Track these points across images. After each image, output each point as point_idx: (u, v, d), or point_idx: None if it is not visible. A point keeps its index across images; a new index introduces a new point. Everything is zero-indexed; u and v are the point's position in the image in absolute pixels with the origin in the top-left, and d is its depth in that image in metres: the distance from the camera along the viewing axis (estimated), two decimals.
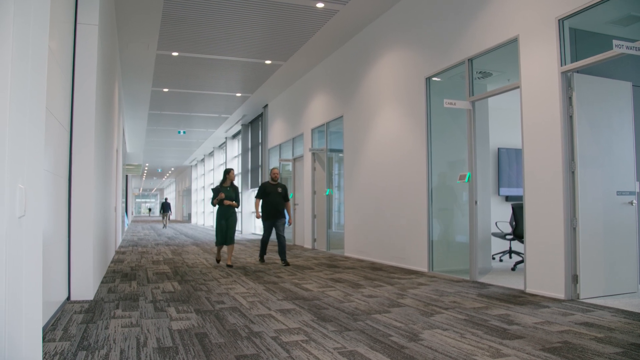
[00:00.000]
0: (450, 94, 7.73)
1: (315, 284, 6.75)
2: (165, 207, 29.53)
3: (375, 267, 8.53)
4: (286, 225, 9.60)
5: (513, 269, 7.90)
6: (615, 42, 4.65)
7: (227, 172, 9.20)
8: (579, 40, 5.80)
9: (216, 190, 9.07)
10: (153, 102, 17.01)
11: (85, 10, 5.91)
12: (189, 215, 43.56)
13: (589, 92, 5.64)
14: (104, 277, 7.53)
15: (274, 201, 9.32)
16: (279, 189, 9.39)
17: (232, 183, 9.20)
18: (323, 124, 12.30)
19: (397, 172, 8.74)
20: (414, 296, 5.74)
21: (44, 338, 3.90)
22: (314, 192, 12.86)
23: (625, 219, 5.81)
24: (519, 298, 5.59)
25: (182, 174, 49.57)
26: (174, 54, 11.83)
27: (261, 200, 9.42)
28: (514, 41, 6.25)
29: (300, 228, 13.89)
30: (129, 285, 6.75)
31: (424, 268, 7.88)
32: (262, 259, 9.75)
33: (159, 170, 47.10)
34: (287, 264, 9.06)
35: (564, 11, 5.54)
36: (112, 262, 9.75)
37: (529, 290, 5.93)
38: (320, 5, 8.93)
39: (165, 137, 25.50)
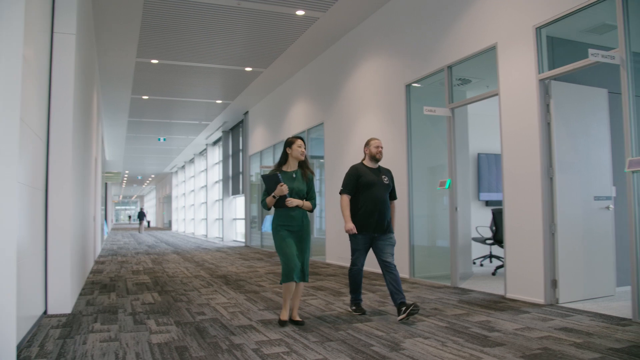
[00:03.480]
0: (430, 100, 7.77)
1: None
2: (141, 216, 33.20)
3: None
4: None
5: (493, 274, 7.95)
6: (590, 50, 4.71)
7: (290, 145, 4.90)
8: (556, 48, 5.88)
9: (269, 179, 4.75)
10: (132, 109, 16.87)
11: (62, 19, 5.83)
12: (170, 223, 43.23)
13: (566, 99, 5.71)
14: (83, 289, 7.41)
15: (378, 197, 5.19)
16: (384, 178, 5.31)
17: (301, 164, 4.95)
18: (304, 131, 12.28)
19: None
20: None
21: (18, 356, 3.82)
22: None
23: (602, 223, 5.88)
24: (499, 304, 5.62)
25: (163, 180, 49.19)
26: (153, 62, 11.74)
27: (350, 198, 5.28)
28: (492, 49, 6.31)
29: None
30: (108, 297, 6.66)
31: (405, 274, 7.88)
32: (358, 306, 5.33)
33: (139, 178, 46.69)
34: (412, 310, 4.74)
35: (541, 20, 5.61)
36: (91, 272, 9.61)
37: (509, 295, 5.97)
38: (300, 12, 8.93)
39: (145, 144, 25.29)
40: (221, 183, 21.98)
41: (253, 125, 17.04)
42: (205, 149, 26.08)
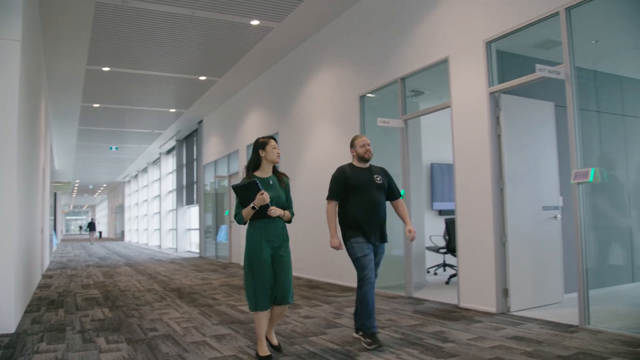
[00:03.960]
0: (384, 110, 7.85)
1: None
2: (91, 226, 33.14)
3: (312, 285, 8.50)
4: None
5: (447, 283, 8.06)
6: (537, 66, 4.85)
7: (263, 146, 4.22)
8: (505, 62, 6.04)
9: (245, 189, 4.03)
10: (83, 117, 16.43)
11: (5, 25, 5.63)
12: (122, 233, 42.26)
13: (515, 112, 5.86)
14: (28, 305, 7.13)
15: (372, 200, 4.55)
16: (377, 177, 4.67)
17: (274, 169, 4.32)
18: None
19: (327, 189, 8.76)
20: (350, 315, 5.74)
21: None
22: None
23: (550, 232, 6.05)
24: (453, 313, 5.70)
25: (115, 190, 48.08)
26: (104, 69, 11.47)
27: (338, 205, 4.68)
28: (444, 62, 6.42)
29: (237, 245, 13.70)
30: (55, 313, 6.43)
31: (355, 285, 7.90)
32: (374, 337, 4.30)
33: (91, 187, 45.48)
34: (370, 345, 4.24)
35: (491, 34, 5.75)
36: (37, 287, 9.27)
37: (462, 304, 6.06)
38: (255, 22, 8.90)
39: (96, 153, 24.66)
40: (175, 193, 21.63)
41: (207, 134, 16.86)
42: (159, 158, 25.64)
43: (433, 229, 9.42)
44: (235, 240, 13.91)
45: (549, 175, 6.13)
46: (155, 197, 27.54)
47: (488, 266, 5.74)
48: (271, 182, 4.16)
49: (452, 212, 9.69)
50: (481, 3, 5.93)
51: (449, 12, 6.38)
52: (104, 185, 44.53)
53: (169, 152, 24.00)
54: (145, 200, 30.22)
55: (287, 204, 4.23)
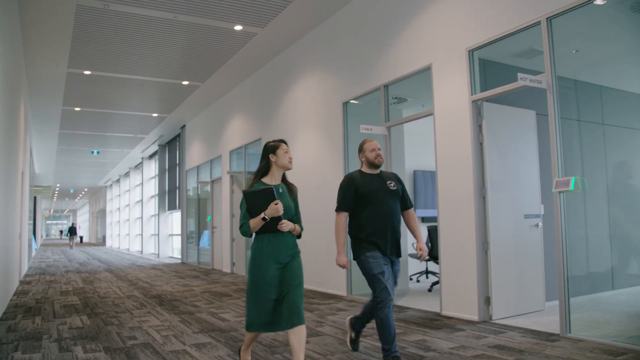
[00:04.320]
0: (368, 117, 7.85)
1: (233, 313, 6.58)
2: (72, 231, 33.04)
3: None
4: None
5: (430, 290, 8.06)
6: (519, 74, 4.88)
7: (274, 150, 3.78)
8: (488, 71, 6.07)
9: (258, 195, 3.59)
10: (64, 121, 16.22)
11: None
12: (104, 238, 41.80)
13: (497, 120, 5.89)
14: (4, 313, 7.00)
15: (387, 210, 4.10)
16: (390, 183, 4.21)
17: (285, 176, 3.91)
18: (241, 146, 12.16)
19: (315, 195, 8.74)
20: (332, 323, 5.71)
21: None
22: (232, 215, 12.64)
23: (532, 240, 6.08)
24: (435, 321, 5.69)
25: (97, 194, 47.56)
26: (86, 73, 11.34)
27: (347, 216, 4.20)
28: (427, 69, 6.44)
29: (219, 251, 13.61)
30: (32, 321, 6.30)
31: (343, 292, 7.88)
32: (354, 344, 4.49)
33: (72, 191, 44.96)
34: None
35: (474, 43, 5.78)
36: (14, 294, 9.10)
37: (445, 312, 6.05)
38: (238, 27, 8.86)
39: (77, 157, 24.38)
40: (157, 198, 21.44)
41: (190, 139, 16.75)
42: (141, 163, 25.42)
43: None
44: (217, 246, 13.82)
45: (530, 183, 6.16)
46: (137, 202, 27.29)
47: (470, 274, 5.74)
48: (281, 191, 3.70)
49: (434, 219, 9.72)
50: (464, 11, 5.96)
51: (432, 20, 6.40)
52: (85, 189, 44.05)
53: (151, 156, 23.80)
54: (127, 205, 29.94)
55: (295, 217, 3.75)
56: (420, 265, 9.51)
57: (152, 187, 23.77)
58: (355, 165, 7.96)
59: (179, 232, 18.42)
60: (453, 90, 6.03)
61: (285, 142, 3.82)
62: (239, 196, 12.34)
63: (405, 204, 4.27)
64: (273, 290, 3.52)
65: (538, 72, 5.11)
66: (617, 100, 7.53)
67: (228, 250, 12.81)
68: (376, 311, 3.85)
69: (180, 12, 8.20)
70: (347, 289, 7.84)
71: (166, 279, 11.28)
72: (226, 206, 12.97)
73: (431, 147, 6.48)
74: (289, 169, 3.81)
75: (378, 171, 4.28)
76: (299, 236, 3.76)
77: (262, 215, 3.49)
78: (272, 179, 3.75)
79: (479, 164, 5.75)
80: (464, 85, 5.87)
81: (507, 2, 5.44)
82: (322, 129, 8.71)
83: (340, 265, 4.10)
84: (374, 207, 4.07)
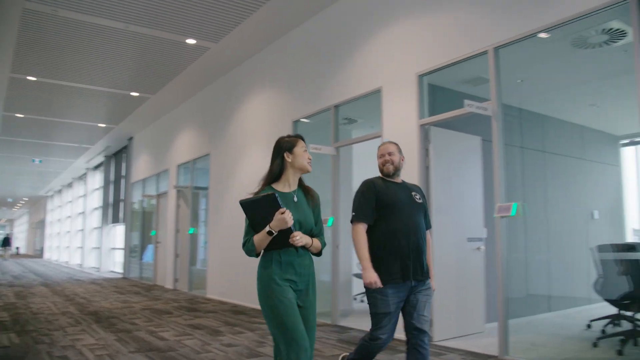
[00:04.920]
0: (318, 136, 7.86)
1: (173, 332, 6.40)
2: (5, 242, 32.38)
3: (237, 311, 8.30)
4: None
5: None
6: (466, 101, 4.99)
7: (290, 148, 3.12)
8: (436, 96, 6.20)
9: (257, 205, 2.89)
10: (5, 127, 15.59)
11: None
12: (42, 250, 40.24)
13: (444, 145, 6.00)
14: None
15: (412, 223, 3.46)
16: (415, 195, 3.62)
17: (302, 181, 3.21)
18: (189, 161, 11.99)
19: None
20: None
21: None
22: (177, 231, 12.38)
23: (474, 263, 6.18)
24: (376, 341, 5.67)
25: (37, 204, 45.82)
26: (30, 79, 10.95)
27: (366, 227, 3.51)
28: (377, 92, 6.51)
29: (163, 267, 13.28)
30: None
31: None
32: None
33: (10, 200, 43.14)
34: None
35: (423, 68, 5.89)
36: None
37: (398, 336, 6.05)
38: (191, 41, 8.77)
39: (18, 165, 23.45)
40: (101, 210, 20.83)
41: (137, 151, 16.40)
42: (85, 174, 24.68)
43: None
44: (160, 261, 13.48)
45: (474, 207, 6.28)
46: (80, 213, 26.42)
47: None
48: (296, 199, 3.00)
49: None
50: (415, 37, 6.08)
51: (384, 44, 6.50)
52: (25, 199, 42.35)
53: (96, 167, 23.15)
54: (69, 217, 28.95)
55: (316, 230, 3.04)
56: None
57: (95, 199, 23.08)
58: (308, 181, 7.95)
59: (122, 246, 17.91)
60: (402, 113, 6.11)
61: (302, 138, 3.12)
62: (185, 212, 12.15)
63: (426, 222, 3.60)
64: (299, 315, 2.78)
65: (484, 99, 5.24)
66: (557, 129, 7.83)
67: (171, 266, 12.52)
68: (363, 341, 3.42)
69: (132, 23, 8.05)
70: None
71: (105, 295, 10.91)
72: (171, 221, 12.71)
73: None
74: (308, 171, 3.08)
75: (400, 180, 3.66)
76: (319, 253, 3.02)
77: (268, 228, 2.78)
78: (286, 185, 3.05)
79: (424, 187, 5.83)
80: (413, 109, 5.96)
81: (457, 31, 5.58)
82: (272, 146, 8.63)
83: (369, 284, 3.30)
84: (398, 220, 3.42)
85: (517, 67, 6.07)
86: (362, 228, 3.45)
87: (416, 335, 3.32)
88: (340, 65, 7.21)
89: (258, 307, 8.35)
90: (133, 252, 16.57)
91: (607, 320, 5.81)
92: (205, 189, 11.42)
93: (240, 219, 9.46)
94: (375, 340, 3.35)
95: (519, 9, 4.96)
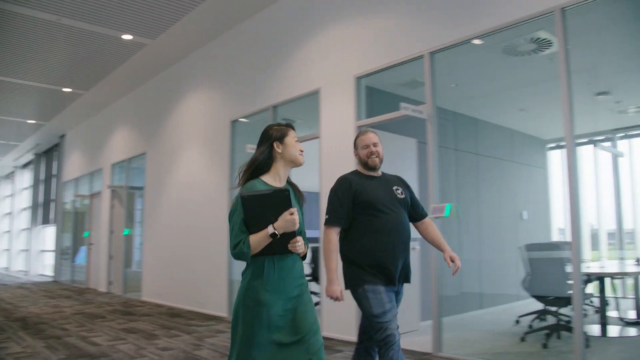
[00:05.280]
0: (257, 136, 7.80)
1: (106, 337, 6.21)
2: None
3: (173, 313, 8.14)
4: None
5: None
6: (402, 104, 5.10)
7: (281, 137, 2.71)
8: (374, 98, 6.29)
9: (266, 200, 2.44)
10: None
11: None
12: None
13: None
14: None
15: (396, 222, 3.19)
16: (397, 189, 3.34)
17: (289, 178, 2.82)
18: (124, 160, 11.67)
19: (198, 213, 8.55)
20: (211, 346, 5.56)
21: None
22: (111, 232, 12.03)
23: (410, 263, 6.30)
24: None
25: None
26: None
27: (339, 231, 3.26)
28: (316, 93, 6.55)
29: (96, 269, 12.87)
30: None
31: (224, 313, 7.71)
32: None
33: None
34: None
35: (361, 70, 5.97)
36: None
37: (325, 334, 6.09)
38: (127, 37, 8.54)
39: None
40: (30, 210, 19.95)
41: (70, 149, 15.81)
42: (13, 172, 23.57)
43: None
44: (93, 263, 13.06)
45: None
46: (6, 214, 25.20)
47: (349, 294, 5.82)
48: (285, 193, 2.48)
49: (318, 239, 9.85)
50: (353, 40, 6.15)
51: (323, 45, 6.54)
52: None
53: (25, 166, 22.14)
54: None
55: (300, 224, 2.53)
56: None
57: (24, 199, 22.08)
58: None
59: (53, 248, 17.22)
60: (340, 115, 6.17)
61: (293, 128, 2.77)
62: (119, 212, 11.82)
63: (419, 213, 3.38)
64: (281, 334, 2.44)
65: (420, 102, 5.36)
66: (489, 132, 8.11)
67: (105, 268, 12.15)
68: (380, 356, 3.01)
69: (64, 15, 7.75)
70: (228, 310, 7.69)
71: (34, 299, 10.46)
72: (105, 222, 12.33)
73: (318, 168, 6.58)
74: (300, 164, 2.71)
75: (379, 173, 3.36)
76: (304, 257, 2.67)
77: (272, 229, 2.39)
78: (276, 179, 2.65)
79: None
80: (350, 111, 6.03)
81: (394, 35, 5.69)
82: (209, 146, 8.57)
83: (332, 298, 3.08)
84: (380, 220, 3.12)
85: (451, 72, 6.24)
86: (334, 232, 3.14)
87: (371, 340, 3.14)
88: (280, 65, 7.20)
89: (195, 309, 8.27)
90: (65, 254, 15.96)
91: (534, 316, 6.07)
92: (141, 188, 11.15)
93: (179, 218, 9.29)
94: (388, 344, 2.95)
95: (454, 16, 5.12)
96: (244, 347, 2.41)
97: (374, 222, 3.11)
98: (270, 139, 2.69)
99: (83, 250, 14.23)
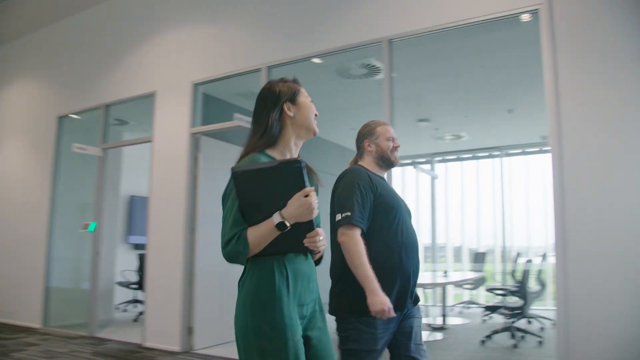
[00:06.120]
0: (88, 135, 7.34)
1: None
2: None
3: None
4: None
5: (135, 320, 7.79)
6: (235, 114, 5.18)
7: (293, 97, 2.00)
8: (210, 106, 6.28)
9: (261, 177, 1.75)
10: None
11: None
12: None
13: (214, 155, 6.08)
14: None
15: (411, 234, 2.55)
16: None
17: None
18: None
19: (14, 214, 7.81)
20: None
21: None
22: None
23: (237, 271, 6.32)
24: (135, 354, 5.51)
25: None
26: None
27: (360, 240, 2.36)
28: (151, 96, 6.36)
29: None
30: None
31: (37, 324, 7.10)
32: None
33: None
34: None
35: (199, 77, 5.94)
36: None
37: (147, 344, 5.90)
38: None
39: None
40: None
41: None
42: None
43: (127, 263, 9.06)
44: None
45: None
46: None
47: (175, 304, 5.73)
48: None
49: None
50: (193, 46, 6.10)
51: (162, 48, 6.40)
52: None
53: None
54: None
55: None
56: (127, 294, 9.14)
57: None
58: (69, 186, 7.41)
59: None
60: (174, 120, 6.06)
61: (300, 89, 2.06)
62: None
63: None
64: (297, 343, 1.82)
65: None
66: (324, 148, 8.50)
67: None
68: None
69: None
70: (43, 320, 7.09)
71: None
72: None
73: (148, 173, 6.39)
74: (316, 133, 2.07)
75: (385, 174, 2.75)
76: (320, 259, 2.04)
77: (278, 218, 1.74)
78: (285, 154, 2.00)
79: (191, 196, 5.84)
80: (186, 117, 5.95)
81: (235, 46, 5.75)
82: (32, 142, 7.88)
83: (381, 313, 2.25)
84: (397, 228, 2.48)
85: None
86: (359, 235, 2.37)
87: None
88: (115, 63, 6.89)
89: (3, 320, 7.50)
90: None
91: None
92: None
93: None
94: None
95: (293, 34, 5.32)
96: None
97: (391, 233, 2.47)
98: (279, 100, 1.96)
99: None
